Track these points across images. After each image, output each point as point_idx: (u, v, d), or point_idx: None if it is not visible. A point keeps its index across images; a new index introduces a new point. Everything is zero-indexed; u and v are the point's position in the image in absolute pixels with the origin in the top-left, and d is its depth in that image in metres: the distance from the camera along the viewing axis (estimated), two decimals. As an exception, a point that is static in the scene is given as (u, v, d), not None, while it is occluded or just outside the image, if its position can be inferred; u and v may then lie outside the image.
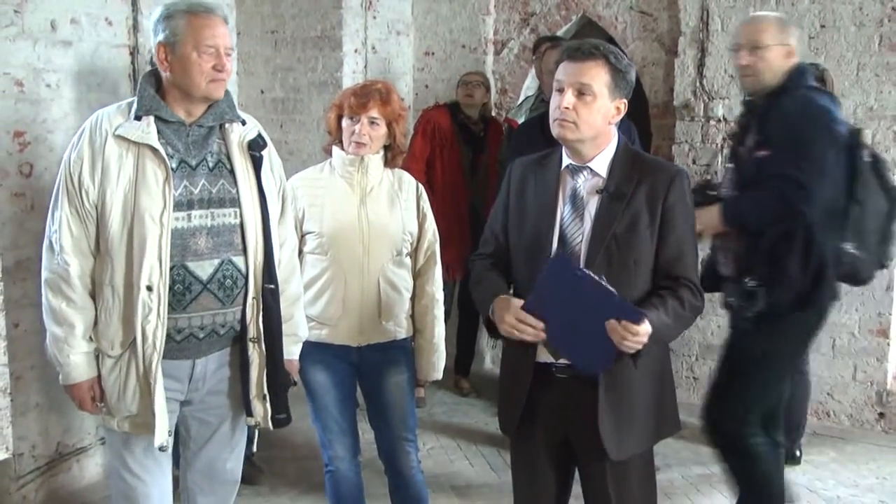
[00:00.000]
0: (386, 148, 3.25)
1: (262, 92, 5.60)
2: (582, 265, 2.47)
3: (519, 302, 2.48)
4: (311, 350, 3.20)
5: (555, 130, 2.52)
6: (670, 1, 5.42)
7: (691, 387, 5.49)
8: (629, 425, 2.57)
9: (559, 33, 5.76)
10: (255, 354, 2.74)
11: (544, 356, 2.55)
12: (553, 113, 2.52)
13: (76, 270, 2.61)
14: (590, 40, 2.56)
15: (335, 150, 3.25)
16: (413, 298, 3.32)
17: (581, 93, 2.46)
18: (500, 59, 6.05)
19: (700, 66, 5.29)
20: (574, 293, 2.37)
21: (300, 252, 3.13)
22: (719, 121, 5.26)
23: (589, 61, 2.47)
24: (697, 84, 5.31)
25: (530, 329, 2.45)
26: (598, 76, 2.47)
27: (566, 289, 2.38)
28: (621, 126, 2.70)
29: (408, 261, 3.29)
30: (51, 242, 2.65)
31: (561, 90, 2.50)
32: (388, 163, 3.27)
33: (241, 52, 5.50)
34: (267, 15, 5.52)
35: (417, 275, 3.33)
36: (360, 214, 3.18)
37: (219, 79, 2.60)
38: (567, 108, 2.46)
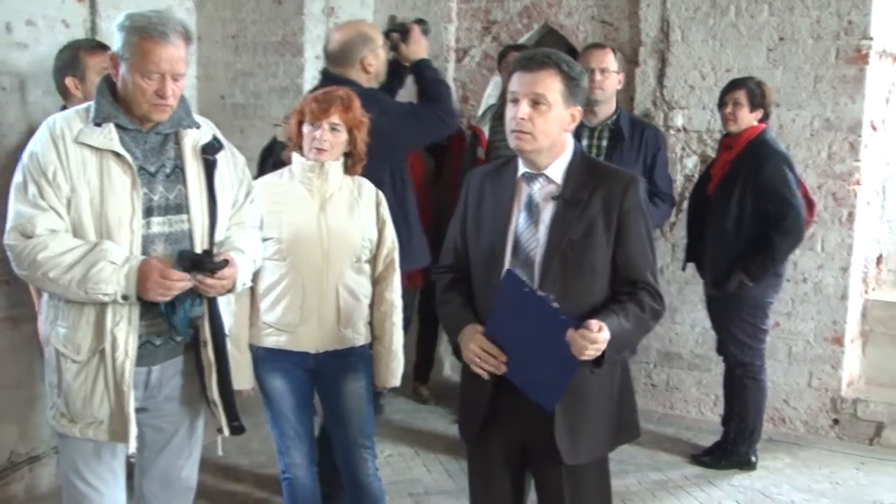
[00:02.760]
0: (346, 155, 3.24)
1: (223, 97, 5.55)
2: (537, 273, 2.49)
3: (482, 330, 2.50)
4: (269, 357, 3.19)
5: (512, 143, 2.53)
6: (631, 11, 5.47)
7: (649, 393, 5.52)
8: (585, 430, 2.58)
9: (521, 42, 5.77)
10: (206, 360, 2.71)
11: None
12: (509, 124, 2.52)
13: (63, 235, 2.50)
14: (542, 49, 2.56)
15: (295, 156, 3.24)
16: (372, 305, 3.32)
17: (536, 102, 2.46)
18: (461, 67, 6.05)
19: (660, 76, 5.34)
20: (526, 312, 2.38)
21: None
22: (679, 130, 5.31)
23: (542, 71, 2.47)
24: (657, 94, 5.36)
25: (492, 360, 2.47)
26: (552, 85, 2.47)
27: (519, 308, 2.39)
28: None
29: (367, 267, 3.28)
30: (20, 231, 2.50)
31: (516, 101, 2.50)
32: (349, 170, 3.26)
33: (202, 57, 5.45)
34: (228, 20, 5.48)
35: (376, 281, 3.32)
36: (319, 221, 3.16)
37: (160, 104, 2.54)
38: (523, 118, 2.47)
